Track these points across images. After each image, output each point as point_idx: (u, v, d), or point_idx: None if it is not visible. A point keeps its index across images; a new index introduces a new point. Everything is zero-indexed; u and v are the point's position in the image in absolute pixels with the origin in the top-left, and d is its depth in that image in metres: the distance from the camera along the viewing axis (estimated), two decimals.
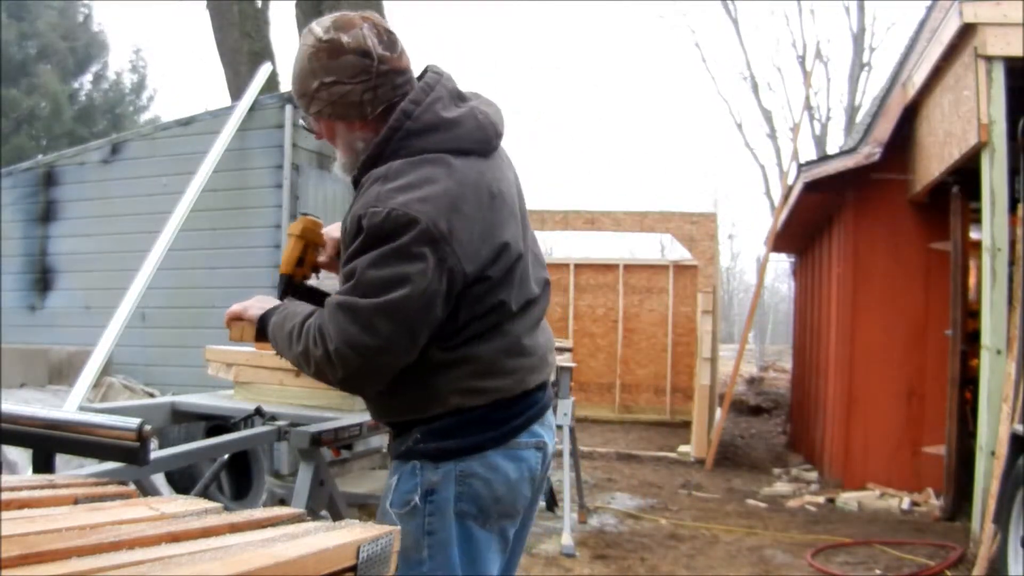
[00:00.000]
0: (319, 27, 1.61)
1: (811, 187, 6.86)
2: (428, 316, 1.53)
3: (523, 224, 1.73)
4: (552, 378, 1.86)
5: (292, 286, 1.88)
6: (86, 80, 18.44)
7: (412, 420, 1.66)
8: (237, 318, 1.84)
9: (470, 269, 1.55)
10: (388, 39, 1.62)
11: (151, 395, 4.80)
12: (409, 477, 1.63)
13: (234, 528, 1.18)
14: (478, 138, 1.64)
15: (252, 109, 5.29)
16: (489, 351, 1.63)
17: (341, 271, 1.63)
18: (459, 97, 1.69)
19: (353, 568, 1.13)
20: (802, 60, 22.87)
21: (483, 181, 1.61)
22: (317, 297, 1.86)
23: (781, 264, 22.38)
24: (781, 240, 9.63)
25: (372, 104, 1.61)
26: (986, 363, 4.53)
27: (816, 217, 8.09)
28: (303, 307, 1.74)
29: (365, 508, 4.53)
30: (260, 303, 1.83)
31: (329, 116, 1.65)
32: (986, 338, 4.56)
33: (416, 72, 1.69)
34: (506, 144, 1.74)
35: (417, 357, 1.58)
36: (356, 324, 1.51)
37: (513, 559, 1.80)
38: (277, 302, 1.83)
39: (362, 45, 1.58)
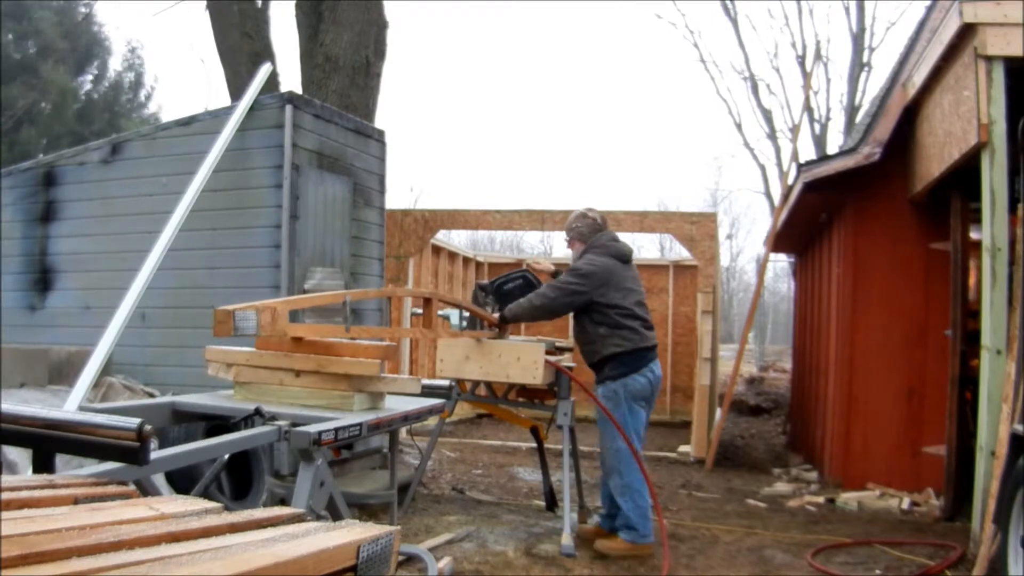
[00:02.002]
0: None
1: (811, 187, 6.86)
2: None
3: (640, 292, 4.72)
4: (654, 343, 4.69)
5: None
6: (86, 79, 18.43)
7: (599, 360, 4.59)
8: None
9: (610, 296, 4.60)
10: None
11: (151, 395, 4.79)
12: (607, 386, 4.53)
13: (234, 528, 1.18)
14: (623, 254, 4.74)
15: (252, 109, 5.29)
16: (623, 331, 4.52)
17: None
18: (614, 239, 4.80)
19: (353, 568, 1.13)
20: (802, 60, 22.84)
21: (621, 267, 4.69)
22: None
23: (781, 264, 22.39)
24: (781, 240, 9.62)
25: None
26: (986, 363, 4.53)
27: (816, 217, 8.08)
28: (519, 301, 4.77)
29: (365, 508, 4.53)
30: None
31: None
32: (986, 338, 4.56)
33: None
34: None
35: (594, 333, 4.58)
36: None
37: (649, 411, 4.67)
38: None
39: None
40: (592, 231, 4.76)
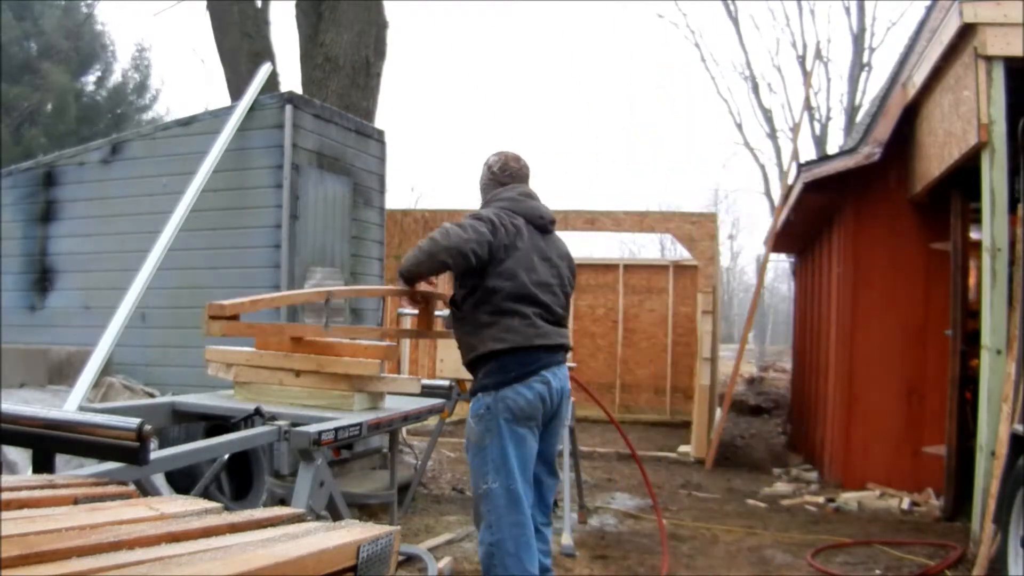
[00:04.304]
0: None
1: (811, 187, 6.86)
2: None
3: (555, 273, 3.21)
4: (560, 342, 3.15)
5: None
6: (89, 80, 18.43)
7: (473, 359, 3.08)
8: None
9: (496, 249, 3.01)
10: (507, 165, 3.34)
11: (151, 395, 4.79)
12: (477, 401, 3.04)
13: (234, 528, 1.18)
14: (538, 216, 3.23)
15: (252, 109, 5.28)
16: (511, 320, 3.01)
17: None
18: (527, 194, 3.27)
19: (353, 568, 1.13)
20: (802, 60, 22.86)
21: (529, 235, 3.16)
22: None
23: (781, 264, 22.39)
24: (781, 240, 9.63)
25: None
26: (986, 363, 4.53)
27: (816, 217, 8.08)
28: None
29: (365, 508, 4.53)
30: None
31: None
32: (986, 338, 4.56)
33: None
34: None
35: (471, 319, 3.06)
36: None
37: (551, 440, 3.22)
38: None
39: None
40: (492, 183, 3.32)
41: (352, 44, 7.38)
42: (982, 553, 4.02)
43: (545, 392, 3.05)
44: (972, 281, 6.02)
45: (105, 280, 5.37)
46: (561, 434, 3.47)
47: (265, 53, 7.77)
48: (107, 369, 4.65)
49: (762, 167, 25.12)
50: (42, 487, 1.31)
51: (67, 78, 16.56)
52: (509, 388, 2.98)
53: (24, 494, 1.23)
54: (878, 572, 4.40)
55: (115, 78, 18.80)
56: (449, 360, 5.14)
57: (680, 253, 11.24)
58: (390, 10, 8.55)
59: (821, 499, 6.12)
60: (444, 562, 4.11)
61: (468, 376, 5.17)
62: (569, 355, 5.61)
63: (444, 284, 10.86)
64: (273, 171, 5.16)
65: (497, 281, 3.00)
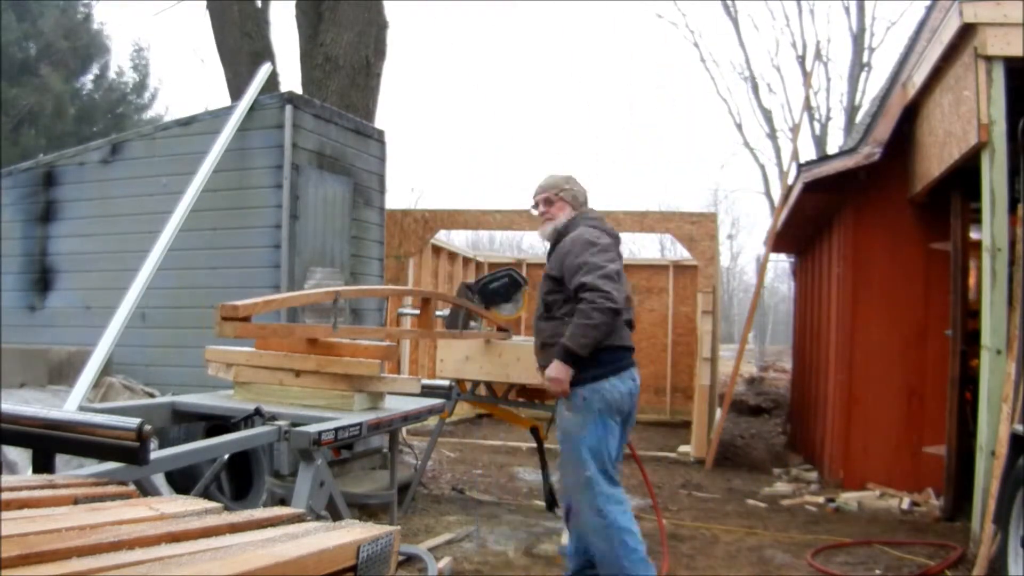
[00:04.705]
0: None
1: (811, 187, 6.86)
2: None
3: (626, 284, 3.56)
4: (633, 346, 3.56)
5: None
6: (87, 80, 18.43)
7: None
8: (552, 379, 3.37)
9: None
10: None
11: (151, 395, 4.79)
12: (574, 394, 3.31)
13: (234, 528, 1.18)
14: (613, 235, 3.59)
15: (252, 109, 5.28)
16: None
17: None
18: (603, 218, 3.70)
19: (353, 568, 1.13)
20: (802, 60, 22.85)
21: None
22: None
23: (781, 264, 22.40)
24: (781, 240, 9.62)
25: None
26: (986, 363, 4.53)
27: (816, 217, 8.08)
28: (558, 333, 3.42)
29: (365, 508, 4.53)
30: (557, 370, 3.35)
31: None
32: (986, 338, 4.56)
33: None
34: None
35: (566, 322, 3.37)
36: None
37: (623, 436, 3.50)
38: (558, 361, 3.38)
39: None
40: (581, 202, 3.79)
41: (352, 44, 7.38)
42: (982, 553, 4.02)
43: (635, 389, 3.48)
44: (972, 281, 6.02)
45: (105, 280, 5.37)
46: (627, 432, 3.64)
47: (265, 53, 7.77)
48: (107, 369, 4.65)
49: (762, 167, 25.14)
50: (42, 487, 1.31)
51: (61, 81, 16.55)
52: (606, 380, 3.34)
53: (24, 494, 1.23)
54: (878, 572, 4.40)
55: (112, 77, 18.81)
56: (449, 360, 5.14)
57: (680, 253, 11.25)
58: (390, 10, 8.55)
59: (821, 499, 6.12)
60: (444, 562, 4.11)
61: (468, 376, 5.17)
62: None
63: (442, 285, 10.81)
64: (273, 171, 5.16)
65: None
